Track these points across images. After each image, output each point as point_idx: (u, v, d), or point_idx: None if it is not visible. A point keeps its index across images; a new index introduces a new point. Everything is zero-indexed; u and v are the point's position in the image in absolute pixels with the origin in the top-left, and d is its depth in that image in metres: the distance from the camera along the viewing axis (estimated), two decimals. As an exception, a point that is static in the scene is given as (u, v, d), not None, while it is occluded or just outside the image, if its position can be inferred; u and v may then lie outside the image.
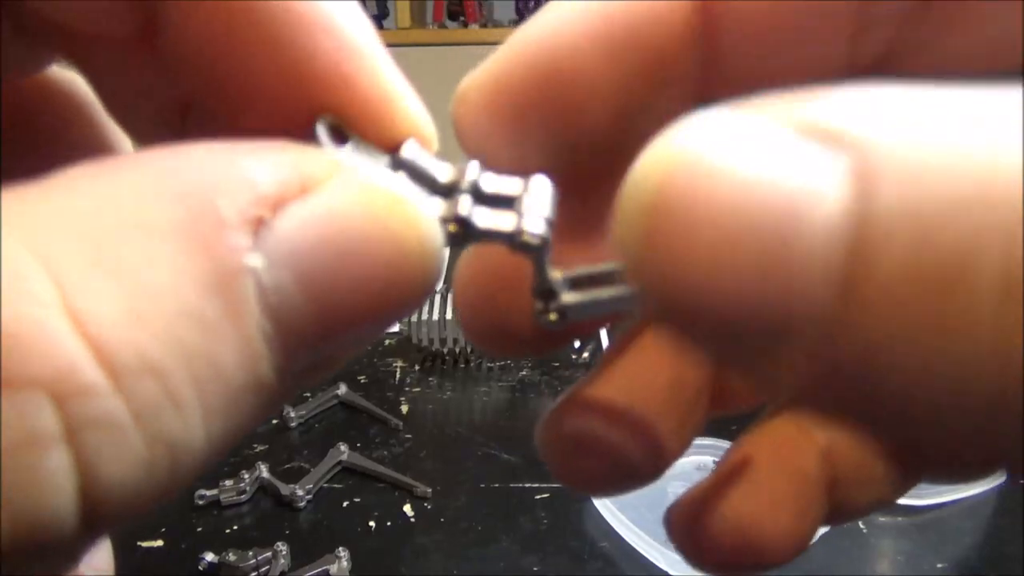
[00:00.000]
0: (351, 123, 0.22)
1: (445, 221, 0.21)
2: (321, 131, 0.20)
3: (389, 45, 0.23)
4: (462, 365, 1.25)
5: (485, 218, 0.22)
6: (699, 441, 1.07)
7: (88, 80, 0.27)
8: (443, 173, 0.23)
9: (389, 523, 0.93)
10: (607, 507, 0.93)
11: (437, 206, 0.22)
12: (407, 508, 0.95)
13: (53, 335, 0.14)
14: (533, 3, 3.43)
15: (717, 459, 1.02)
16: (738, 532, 0.26)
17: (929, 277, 0.13)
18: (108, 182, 0.16)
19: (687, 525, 0.27)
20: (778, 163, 0.14)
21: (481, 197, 0.22)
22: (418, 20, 3.47)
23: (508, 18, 3.52)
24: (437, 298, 1.24)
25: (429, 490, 0.97)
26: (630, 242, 0.15)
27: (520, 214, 0.22)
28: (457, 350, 1.24)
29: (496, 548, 0.89)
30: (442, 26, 3.51)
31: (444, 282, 1.19)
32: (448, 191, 0.22)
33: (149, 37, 0.23)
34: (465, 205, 0.21)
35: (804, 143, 0.15)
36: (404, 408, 1.15)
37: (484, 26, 3.45)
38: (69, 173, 0.17)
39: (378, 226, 0.18)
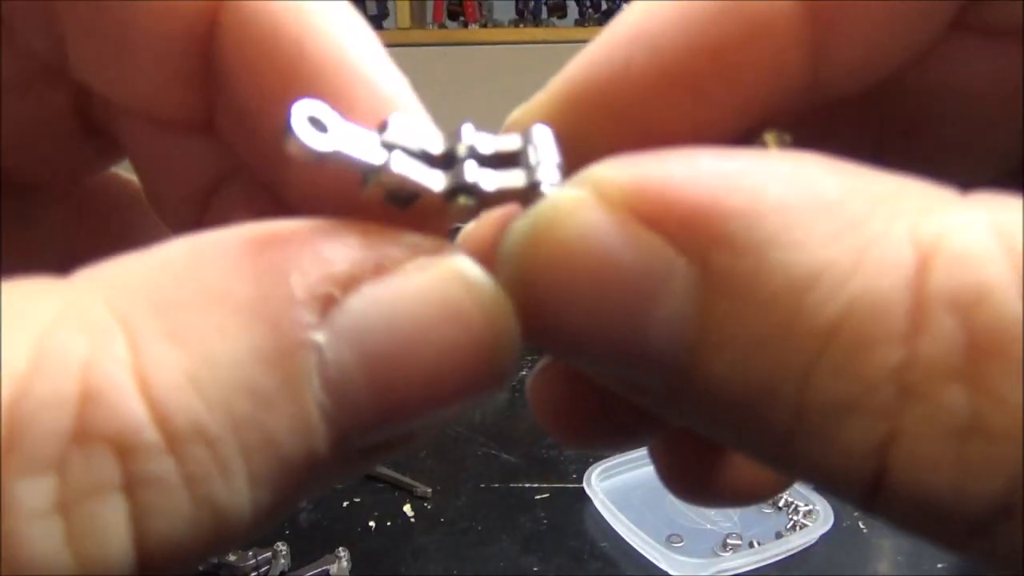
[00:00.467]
0: (334, 104, 0.21)
1: (452, 193, 0.20)
2: (298, 121, 0.19)
3: (389, 45, 0.23)
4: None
5: (494, 180, 0.21)
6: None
7: (136, 166, 0.29)
8: (436, 143, 0.21)
9: (389, 523, 0.93)
10: (607, 507, 0.93)
11: (439, 179, 0.21)
12: (407, 508, 0.95)
13: (124, 394, 0.16)
14: (533, 3, 3.43)
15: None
16: None
17: (745, 392, 0.17)
18: (189, 255, 0.18)
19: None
20: (625, 257, 0.18)
21: (481, 159, 0.21)
22: (418, 20, 3.47)
23: (508, 18, 3.52)
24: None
25: (429, 490, 0.97)
26: (511, 295, 0.19)
27: (529, 167, 0.21)
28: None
29: (496, 548, 0.89)
30: (442, 26, 3.51)
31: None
32: (446, 160, 0.21)
33: (208, 117, 0.25)
34: (470, 171, 0.20)
35: (650, 238, 0.18)
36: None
37: (484, 26, 3.45)
38: (163, 245, 0.18)
39: (449, 315, 0.18)
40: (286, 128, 0.19)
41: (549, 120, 0.22)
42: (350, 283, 0.18)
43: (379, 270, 0.18)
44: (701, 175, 0.17)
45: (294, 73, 0.22)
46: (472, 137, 0.21)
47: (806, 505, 0.94)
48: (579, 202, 0.18)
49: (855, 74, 0.23)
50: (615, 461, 1.00)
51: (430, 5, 3.56)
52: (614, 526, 0.91)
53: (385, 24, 3.37)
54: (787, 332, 0.16)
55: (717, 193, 0.17)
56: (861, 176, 0.17)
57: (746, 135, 0.22)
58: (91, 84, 0.25)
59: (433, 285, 0.18)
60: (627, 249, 0.18)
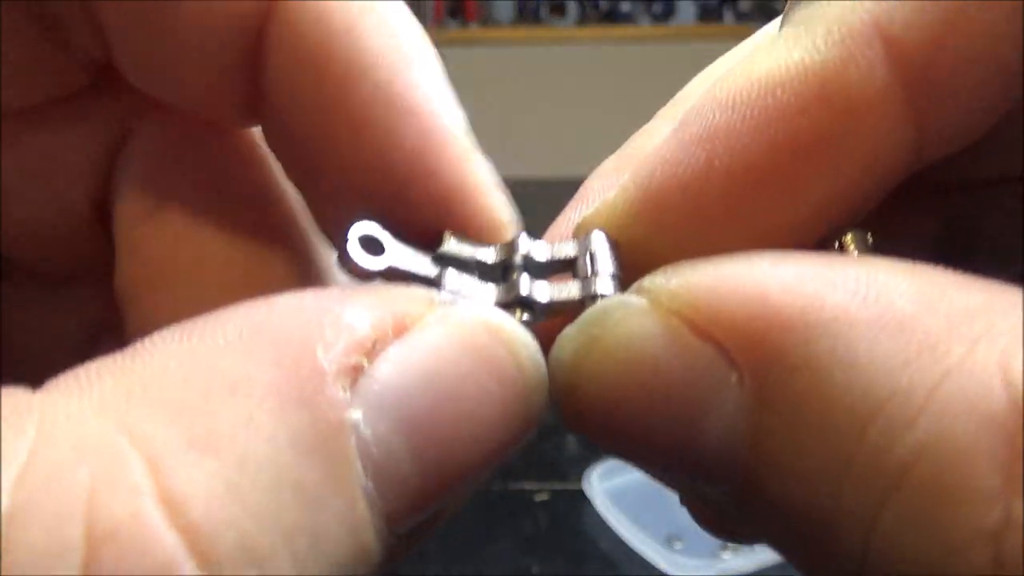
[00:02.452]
0: (432, 216, 0.21)
1: (506, 307, 0.20)
2: (353, 246, 0.19)
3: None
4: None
5: (548, 292, 0.21)
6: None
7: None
8: (489, 255, 0.21)
9: (389, 524, 0.93)
10: (607, 508, 0.93)
11: (492, 293, 0.21)
12: (407, 509, 0.95)
13: (149, 529, 0.13)
14: (534, 2, 3.43)
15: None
16: None
17: (807, 523, 0.15)
18: (198, 343, 0.16)
19: None
20: (675, 367, 0.17)
21: (537, 268, 0.21)
22: (418, 19, 3.47)
23: (508, 17, 3.52)
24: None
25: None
26: (559, 407, 0.19)
27: (584, 278, 0.20)
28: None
29: (496, 549, 0.89)
30: (442, 25, 3.51)
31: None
32: (500, 271, 0.21)
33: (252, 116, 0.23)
34: (524, 284, 0.20)
35: (701, 348, 0.17)
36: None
37: (484, 25, 3.45)
38: (155, 337, 0.16)
39: (482, 364, 0.17)
40: (342, 250, 0.19)
41: (620, 225, 0.21)
42: (375, 348, 0.16)
43: (400, 329, 0.17)
44: (757, 282, 0.16)
45: (342, 90, 0.21)
46: (527, 246, 0.21)
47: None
48: (630, 309, 0.18)
49: (958, 139, 0.20)
50: (615, 463, 1.00)
51: (430, 4, 3.56)
52: (614, 527, 0.91)
53: (385, 23, 3.36)
54: (848, 465, 0.14)
55: (771, 301, 0.16)
56: (941, 285, 0.15)
57: (826, 239, 0.20)
58: (136, 80, 0.23)
59: (460, 335, 0.17)
60: (677, 359, 0.17)
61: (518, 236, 0.21)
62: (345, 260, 0.19)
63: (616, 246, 0.21)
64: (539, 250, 0.21)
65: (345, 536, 0.15)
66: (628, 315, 0.18)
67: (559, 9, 3.43)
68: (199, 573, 0.13)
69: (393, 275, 0.20)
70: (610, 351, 0.18)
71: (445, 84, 0.22)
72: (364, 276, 0.19)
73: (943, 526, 0.13)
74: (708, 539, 0.91)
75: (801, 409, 0.15)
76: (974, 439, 0.13)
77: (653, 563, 0.85)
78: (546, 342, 0.19)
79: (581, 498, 0.95)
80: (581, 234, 0.22)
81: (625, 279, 0.20)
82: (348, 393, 0.16)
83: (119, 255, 0.24)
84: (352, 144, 0.21)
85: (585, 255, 0.21)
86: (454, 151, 0.21)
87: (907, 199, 0.21)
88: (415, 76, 0.21)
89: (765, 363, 0.16)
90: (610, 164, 0.25)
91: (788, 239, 0.19)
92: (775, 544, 0.17)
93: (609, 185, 0.22)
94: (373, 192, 0.21)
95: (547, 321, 0.21)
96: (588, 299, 0.20)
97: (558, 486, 0.99)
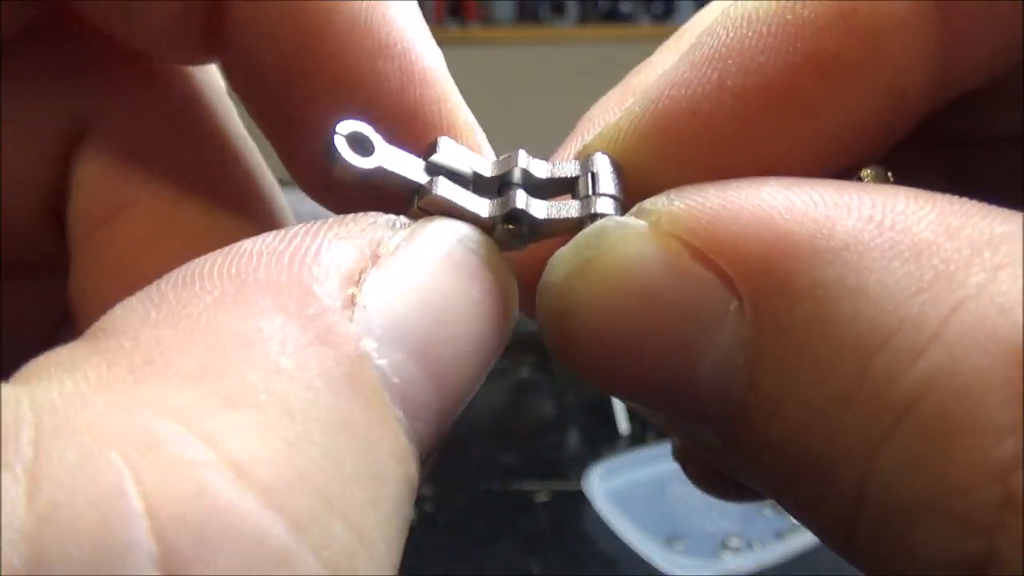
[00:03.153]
0: (382, 122, 0.20)
1: (498, 220, 0.19)
2: (340, 143, 0.18)
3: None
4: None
5: (545, 209, 0.20)
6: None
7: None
8: (486, 167, 0.20)
9: (388, 524, 0.93)
10: (607, 509, 0.93)
11: (485, 205, 0.19)
12: (407, 509, 0.95)
13: (225, 502, 0.12)
14: (533, 2, 3.43)
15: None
16: None
17: (800, 464, 0.14)
18: (184, 307, 0.14)
19: None
20: (671, 293, 0.16)
21: (535, 186, 0.20)
22: (418, 19, 3.47)
23: (508, 17, 3.52)
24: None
25: (429, 491, 0.97)
26: (547, 334, 0.18)
27: (584, 197, 0.19)
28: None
29: (496, 549, 0.89)
30: (442, 24, 3.51)
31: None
32: (497, 185, 0.20)
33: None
34: (520, 198, 0.19)
35: (700, 274, 0.16)
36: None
37: (484, 25, 3.45)
38: (121, 313, 0.15)
39: (461, 276, 0.17)
40: (328, 147, 0.18)
41: (624, 148, 0.20)
42: (359, 279, 0.16)
43: (374, 256, 0.16)
44: (764, 205, 0.15)
45: (316, 25, 0.19)
46: (526, 163, 0.20)
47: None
48: (627, 231, 0.17)
49: (981, 74, 0.19)
50: (615, 463, 1.00)
51: (430, 4, 3.56)
52: (614, 527, 0.91)
53: (385, 23, 3.36)
54: (849, 400, 0.13)
55: (777, 226, 0.15)
56: (965, 213, 0.14)
57: (842, 174, 0.19)
58: (93, 15, 0.21)
59: (435, 253, 0.17)
60: (673, 284, 0.16)
61: (516, 152, 0.20)
62: (332, 158, 0.18)
63: (620, 169, 0.20)
64: (538, 167, 0.20)
65: (399, 470, 0.15)
66: (625, 237, 0.17)
67: (559, 9, 3.43)
68: (294, 536, 0.12)
69: (382, 177, 0.19)
70: (604, 274, 0.17)
71: (421, 20, 0.21)
72: (351, 177, 0.18)
73: (946, 464, 0.12)
74: (708, 539, 0.91)
75: (802, 340, 0.14)
76: (988, 370, 0.12)
77: (653, 563, 0.85)
78: (536, 267, 0.19)
79: (581, 498, 0.95)
80: (584, 157, 0.20)
81: (628, 204, 0.19)
82: (357, 326, 0.15)
83: (74, 259, 0.23)
84: (327, 84, 0.20)
85: (587, 175, 0.20)
86: (435, 92, 0.20)
87: (913, 150, 0.20)
88: (393, 11, 0.20)
89: (767, 291, 0.15)
90: (612, 97, 0.23)
91: (802, 167, 0.18)
92: (767, 489, 0.17)
93: (613, 113, 0.21)
94: (329, 104, 0.20)
95: (543, 242, 0.20)
96: (587, 219, 0.19)
97: (558, 486, 0.98)
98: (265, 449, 0.13)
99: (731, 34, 0.18)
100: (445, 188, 0.19)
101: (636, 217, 0.17)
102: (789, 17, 0.17)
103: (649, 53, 0.25)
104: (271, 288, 0.15)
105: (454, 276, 0.17)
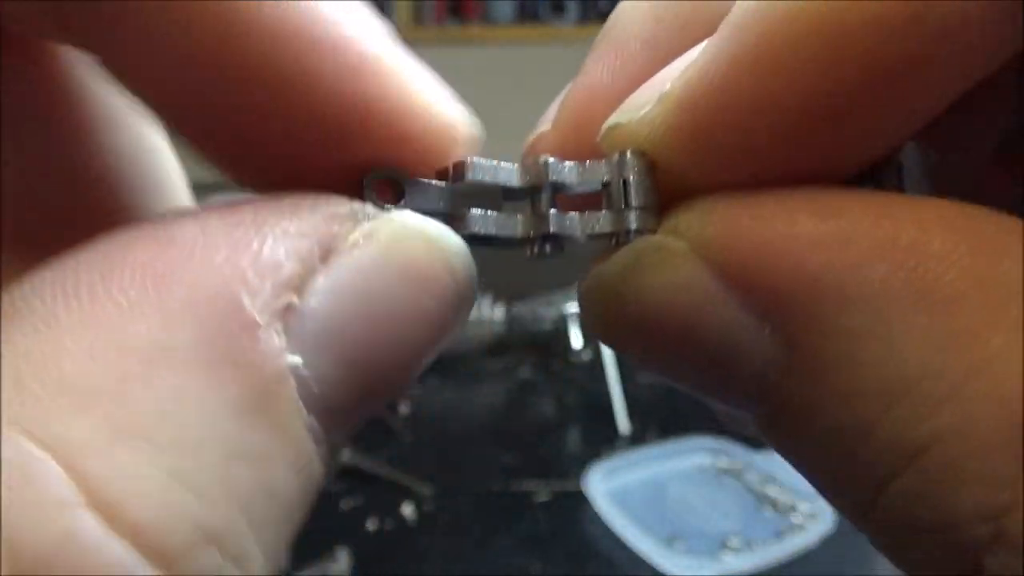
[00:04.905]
0: (403, 162, 0.19)
1: (530, 241, 0.20)
2: (370, 197, 0.18)
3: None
4: (462, 366, 1.25)
5: (578, 226, 0.20)
6: (699, 442, 1.06)
7: None
8: (513, 176, 0.20)
9: (389, 524, 0.93)
10: (607, 508, 0.93)
11: (518, 225, 0.20)
12: (407, 509, 0.95)
13: (91, 545, 0.12)
14: (533, 2, 3.43)
15: (717, 459, 1.02)
16: None
17: (825, 466, 0.16)
18: (94, 308, 0.13)
19: None
20: (710, 321, 0.17)
21: (565, 197, 0.20)
22: (418, 18, 3.47)
23: (508, 17, 3.52)
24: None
25: (429, 491, 0.97)
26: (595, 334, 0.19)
27: (618, 210, 0.19)
28: (458, 352, 1.24)
29: (496, 549, 0.89)
30: (442, 24, 3.51)
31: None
32: (527, 194, 0.20)
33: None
34: (555, 220, 0.20)
35: (737, 302, 0.16)
36: (404, 409, 1.15)
37: (484, 24, 3.45)
38: (23, 302, 0.13)
39: (414, 281, 0.17)
40: (362, 198, 0.18)
41: (656, 146, 0.18)
42: (303, 282, 0.15)
43: (326, 254, 0.15)
44: (795, 239, 0.15)
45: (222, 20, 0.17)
46: (555, 171, 0.20)
47: (807, 506, 0.94)
48: (668, 253, 0.17)
49: None
50: (615, 463, 1.00)
51: (430, 4, 3.56)
52: (614, 527, 0.91)
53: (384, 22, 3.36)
54: (866, 437, 0.14)
55: (807, 268, 0.15)
56: (999, 252, 0.14)
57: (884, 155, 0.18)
58: None
59: (391, 254, 0.16)
60: (710, 309, 0.16)
61: (544, 159, 0.20)
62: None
63: (652, 167, 0.19)
64: (568, 174, 0.20)
65: (297, 477, 0.14)
66: (666, 260, 0.17)
67: (559, 9, 3.43)
68: (159, 573, 0.12)
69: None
70: (648, 294, 0.17)
71: (366, 11, 0.18)
72: None
73: (951, 504, 0.14)
74: (708, 539, 0.91)
75: (828, 374, 0.15)
76: (996, 432, 0.13)
77: (653, 563, 0.85)
78: None
79: (581, 498, 0.95)
80: (611, 146, 0.19)
81: (661, 202, 0.19)
82: (283, 337, 0.14)
83: None
84: (258, 88, 0.17)
85: (618, 181, 0.19)
86: (379, 83, 0.18)
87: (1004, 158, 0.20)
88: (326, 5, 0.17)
89: (797, 328, 0.15)
90: (604, 55, 0.21)
91: (842, 168, 0.17)
92: (800, 471, 0.18)
93: (643, 95, 0.19)
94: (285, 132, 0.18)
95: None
96: (622, 234, 0.19)
97: (558, 486, 0.98)
98: (145, 485, 0.12)
99: (778, 33, 0.16)
100: (478, 223, 0.20)
101: (673, 236, 0.17)
102: (852, 16, 0.15)
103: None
104: (195, 294, 0.14)
105: (408, 286, 0.16)
